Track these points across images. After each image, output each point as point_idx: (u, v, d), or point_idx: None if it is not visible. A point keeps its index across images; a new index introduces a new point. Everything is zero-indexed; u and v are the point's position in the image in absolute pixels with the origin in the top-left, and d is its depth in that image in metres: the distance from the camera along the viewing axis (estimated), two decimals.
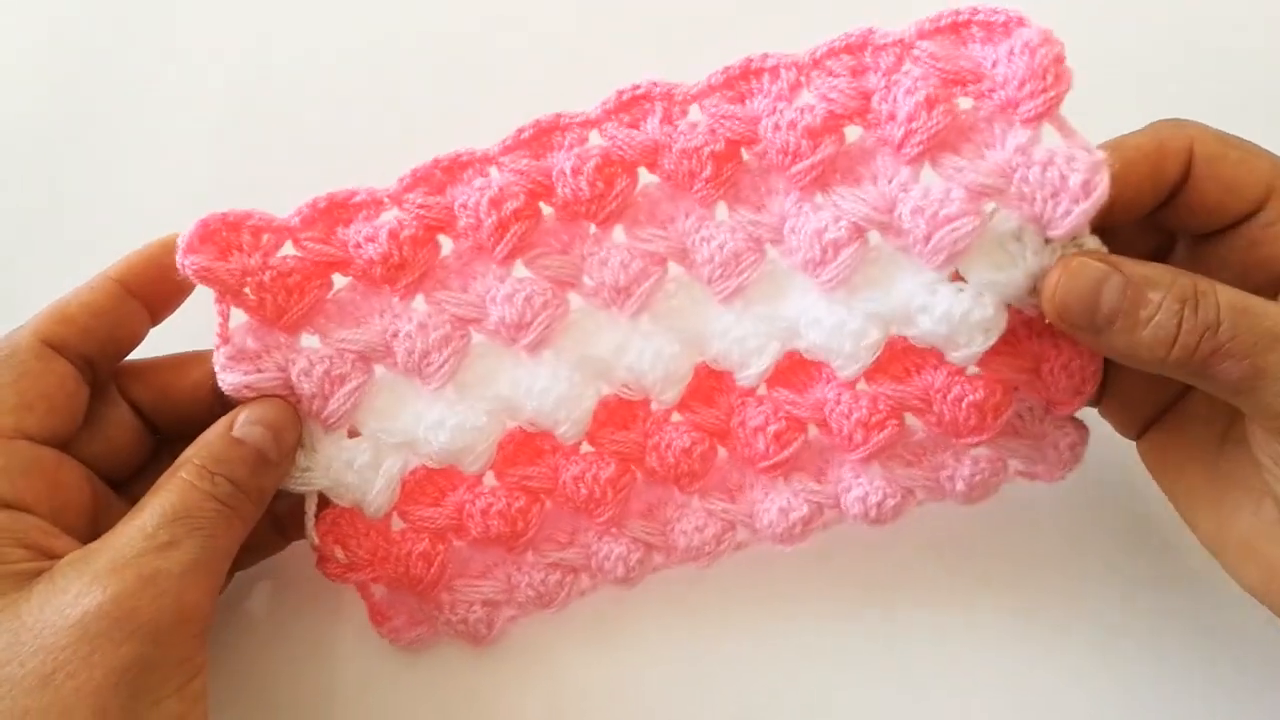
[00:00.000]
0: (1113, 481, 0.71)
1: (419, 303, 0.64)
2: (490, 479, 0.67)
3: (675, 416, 0.66)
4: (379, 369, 0.65)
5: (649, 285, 0.63)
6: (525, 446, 0.66)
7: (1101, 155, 0.55)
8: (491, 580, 0.68)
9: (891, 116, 0.58)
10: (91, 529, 0.60)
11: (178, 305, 0.65)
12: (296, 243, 0.62)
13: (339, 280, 0.64)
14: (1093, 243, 0.58)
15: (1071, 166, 0.56)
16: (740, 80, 0.61)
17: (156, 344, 0.65)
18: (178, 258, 0.60)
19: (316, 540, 0.65)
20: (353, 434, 0.65)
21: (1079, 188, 0.55)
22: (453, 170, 0.63)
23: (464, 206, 0.62)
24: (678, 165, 0.62)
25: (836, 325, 0.62)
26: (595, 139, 0.63)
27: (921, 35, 0.59)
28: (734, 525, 0.68)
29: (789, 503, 0.66)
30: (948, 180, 0.59)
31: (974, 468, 0.64)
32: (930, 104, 0.57)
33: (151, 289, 0.63)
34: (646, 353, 0.64)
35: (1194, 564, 0.67)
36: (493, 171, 0.63)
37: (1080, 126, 0.58)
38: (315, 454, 0.63)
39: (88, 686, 0.52)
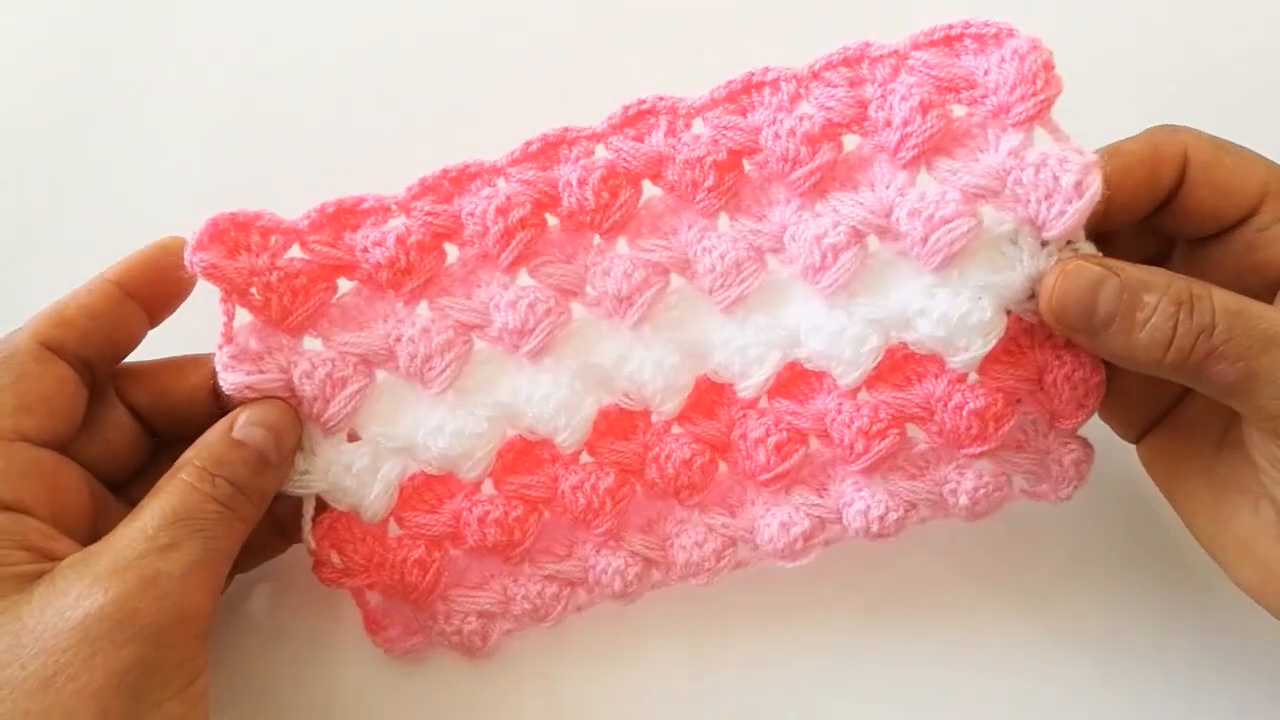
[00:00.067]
0: (1115, 494, 0.72)
1: (423, 309, 0.64)
2: (489, 487, 0.67)
3: (675, 428, 0.67)
4: (380, 373, 0.65)
5: (651, 295, 0.64)
6: (525, 455, 0.66)
7: (1094, 156, 0.58)
8: (487, 591, 0.68)
9: (888, 123, 0.60)
10: (91, 531, 0.60)
11: (176, 308, 0.65)
12: (304, 245, 0.63)
13: (344, 285, 0.64)
14: (1088, 247, 0.60)
15: (1064, 167, 0.58)
16: (742, 93, 0.63)
17: (154, 347, 0.65)
18: (186, 254, 0.60)
19: (313, 544, 0.65)
20: (352, 438, 0.65)
21: (1072, 188, 0.57)
22: (460, 180, 0.64)
23: (471, 214, 0.63)
24: (681, 175, 0.63)
25: (836, 332, 0.62)
26: (601, 152, 0.64)
27: (916, 47, 0.61)
28: (734, 541, 0.68)
29: (790, 517, 0.66)
30: (943, 183, 0.60)
31: (977, 482, 0.64)
32: (925, 109, 0.60)
33: (150, 291, 0.63)
34: (647, 363, 0.64)
35: (1198, 579, 0.69)
36: (500, 182, 0.64)
37: (1080, 127, 0.60)
38: (314, 457, 0.63)
39: (89, 689, 0.52)
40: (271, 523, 0.64)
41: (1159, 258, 0.65)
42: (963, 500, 0.65)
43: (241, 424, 0.60)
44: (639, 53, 0.84)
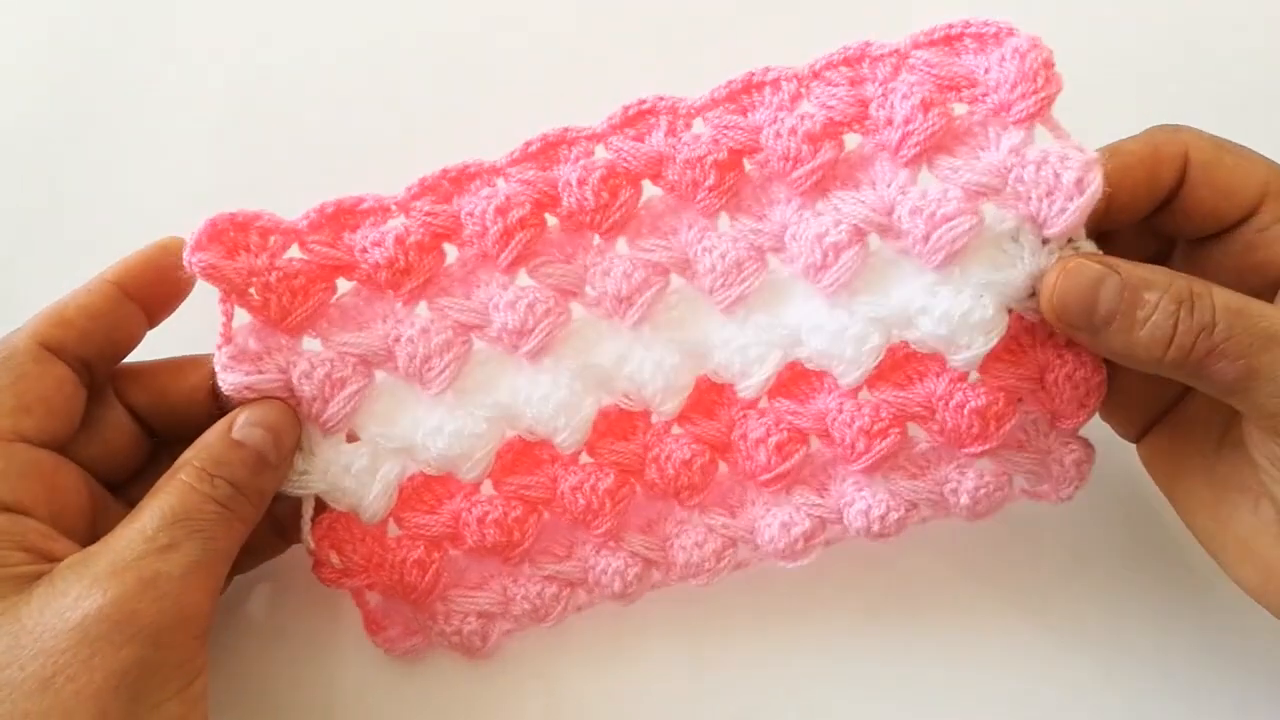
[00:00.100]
0: (1115, 494, 0.72)
1: (422, 309, 0.64)
2: (488, 488, 0.67)
3: (675, 429, 0.67)
4: (379, 374, 0.65)
5: (651, 295, 0.64)
6: (524, 456, 0.66)
7: (1094, 154, 0.59)
8: (487, 592, 0.68)
9: (889, 122, 0.61)
10: (90, 532, 0.60)
11: (175, 308, 0.65)
12: (303, 245, 0.63)
13: (343, 285, 0.64)
14: (1089, 246, 0.61)
15: (1065, 165, 0.58)
16: (743, 93, 0.63)
17: (153, 347, 0.65)
18: (185, 254, 0.60)
19: (312, 544, 0.65)
20: (351, 438, 0.65)
21: (1073, 185, 0.58)
22: (460, 181, 0.64)
23: (470, 215, 0.63)
24: (681, 175, 0.63)
25: (838, 330, 0.63)
26: (601, 152, 0.64)
27: (917, 46, 0.61)
28: (734, 541, 0.68)
29: (791, 517, 0.66)
30: (944, 181, 0.61)
31: (978, 481, 0.64)
32: (926, 107, 0.60)
33: (149, 292, 0.63)
34: (647, 363, 0.64)
35: (1199, 578, 0.69)
36: (499, 182, 0.64)
37: (1081, 127, 0.60)
38: (313, 457, 0.63)
39: (88, 690, 0.52)
40: (270, 523, 0.64)
41: (1160, 257, 0.65)
42: (964, 500, 0.65)
43: (240, 424, 0.60)
44: (639, 53, 0.84)
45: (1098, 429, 0.66)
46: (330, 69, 0.85)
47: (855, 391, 0.64)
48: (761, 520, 0.67)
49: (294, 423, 0.62)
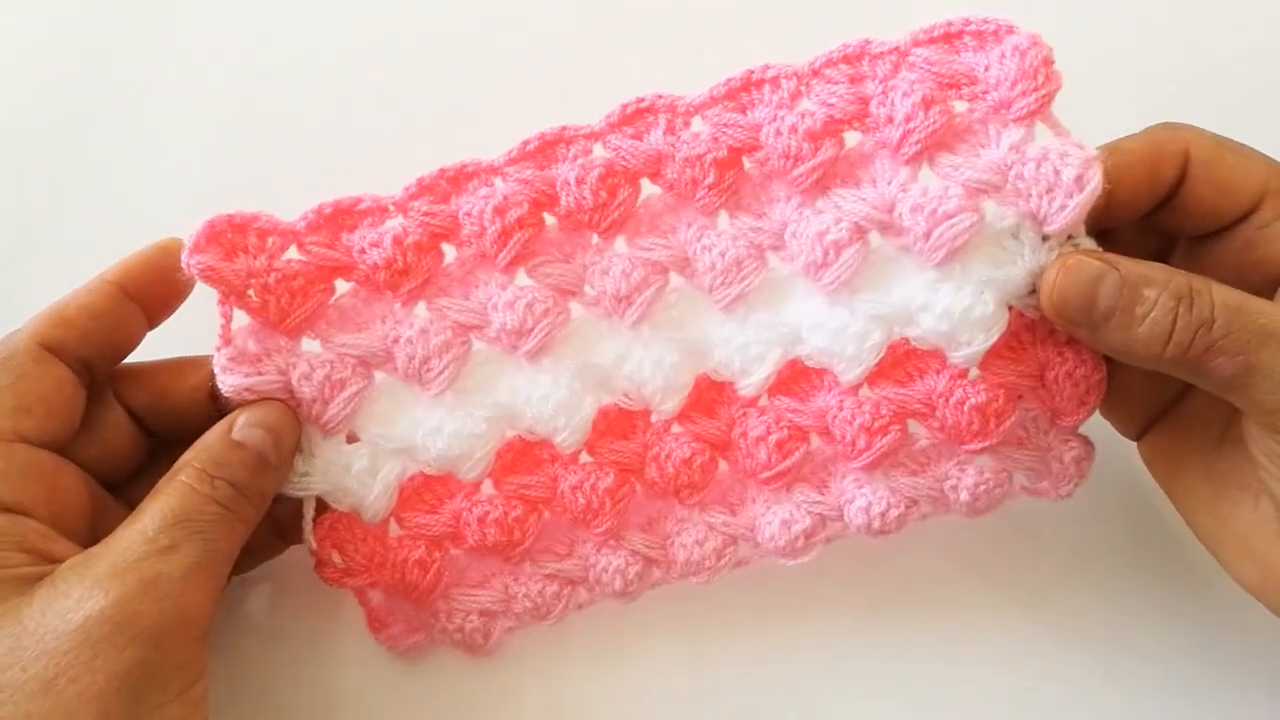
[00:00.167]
0: (1115, 491, 0.72)
1: (421, 309, 0.64)
2: (488, 487, 0.67)
3: (675, 428, 0.67)
4: (379, 375, 0.65)
5: (650, 294, 0.64)
6: (524, 455, 0.66)
7: (1094, 151, 0.59)
8: (488, 590, 0.68)
9: (889, 119, 0.61)
10: (90, 532, 0.60)
11: (175, 309, 0.65)
12: (301, 247, 0.62)
13: (341, 286, 0.64)
14: (1089, 243, 0.61)
15: (1065, 162, 0.58)
16: (742, 91, 0.63)
17: (152, 348, 0.65)
18: (183, 256, 0.60)
19: (314, 545, 0.65)
20: (351, 439, 0.65)
21: (1073, 182, 0.58)
22: (458, 180, 0.64)
23: (468, 214, 0.63)
24: (681, 173, 0.63)
25: (839, 328, 0.63)
26: (599, 151, 0.64)
27: (917, 44, 0.62)
28: (735, 539, 0.68)
29: (791, 515, 0.66)
30: (945, 179, 0.61)
31: (978, 478, 0.65)
32: (927, 104, 0.60)
33: (149, 292, 0.63)
34: (647, 362, 0.64)
35: (1199, 576, 0.69)
36: (497, 181, 0.64)
37: (1081, 127, 0.60)
38: (314, 458, 0.63)
39: (90, 691, 0.52)
40: (269, 524, 0.64)
41: (1160, 255, 0.65)
42: (964, 496, 0.65)
43: (240, 425, 0.60)
44: (639, 53, 0.84)
45: (1098, 427, 0.66)
46: (330, 69, 0.85)
47: (856, 389, 0.64)
48: (762, 518, 0.67)
49: (294, 424, 0.62)
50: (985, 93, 0.60)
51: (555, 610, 0.68)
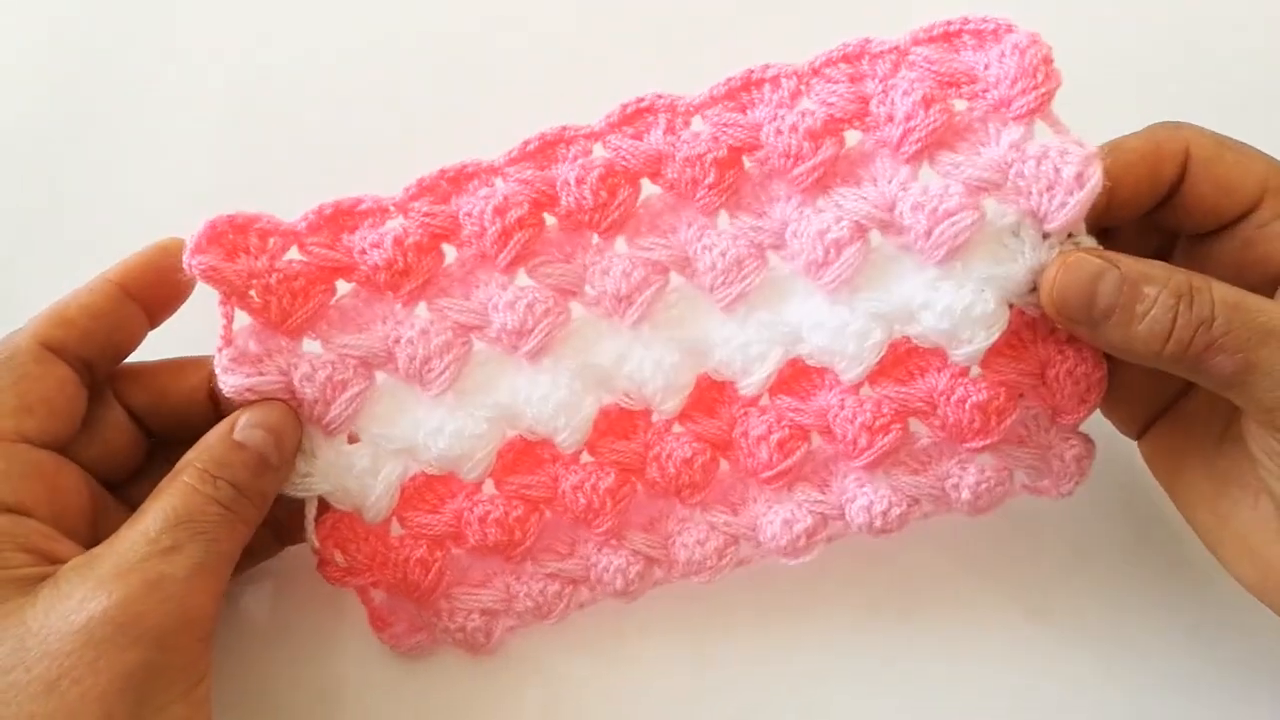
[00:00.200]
0: (1116, 490, 0.72)
1: (421, 310, 0.65)
2: (490, 487, 0.67)
3: (676, 427, 0.67)
4: (380, 375, 0.65)
5: (650, 294, 0.64)
6: (525, 455, 0.67)
7: (1094, 148, 0.59)
8: (490, 589, 0.68)
9: (890, 118, 0.61)
10: (91, 533, 0.60)
11: (176, 309, 0.65)
12: (302, 247, 0.62)
13: (342, 287, 0.64)
14: (1089, 241, 0.61)
15: (1065, 159, 0.58)
16: (742, 91, 0.63)
17: (152, 348, 0.66)
18: (185, 257, 0.60)
19: (317, 544, 0.65)
20: (352, 439, 0.65)
21: (1073, 179, 0.58)
22: (458, 180, 0.64)
23: (468, 215, 0.63)
24: (681, 173, 0.63)
25: (839, 327, 0.63)
26: (599, 151, 0.64)
27: (916, 43, 0.62)
28: (736, 539, 0.68)
29: (793, 514, 0.66)
30: (946, 177, 0.61)
31: (979, 476, 0.65)
32: (927, 103, 0.60)
33: (150, 292, 0.63)
34: (647, 362, 0.65)
35: (1199, 574, 0.69)
36: (498, 182, 0.64)
37: (1081, 127, 0.60)
38: (315, 459, 0.63)
39: (93, 692, 0.52)
40: (266, 524, 0.64)
41: (1161, 253, 0.65)
42: (965, 495, 0.65)
43: (242, 426, 0.60)
44: (639, 53, 0.84)
45: (1098, 425, 0.66)
46: (330, 69, 0.85)
47: (857, 388, 0.64)
48: (763, 517, 0.67)
49: (295, 424, 0.62)
50: (985, 91, 0.60)
51: (557, 609, 0.68)
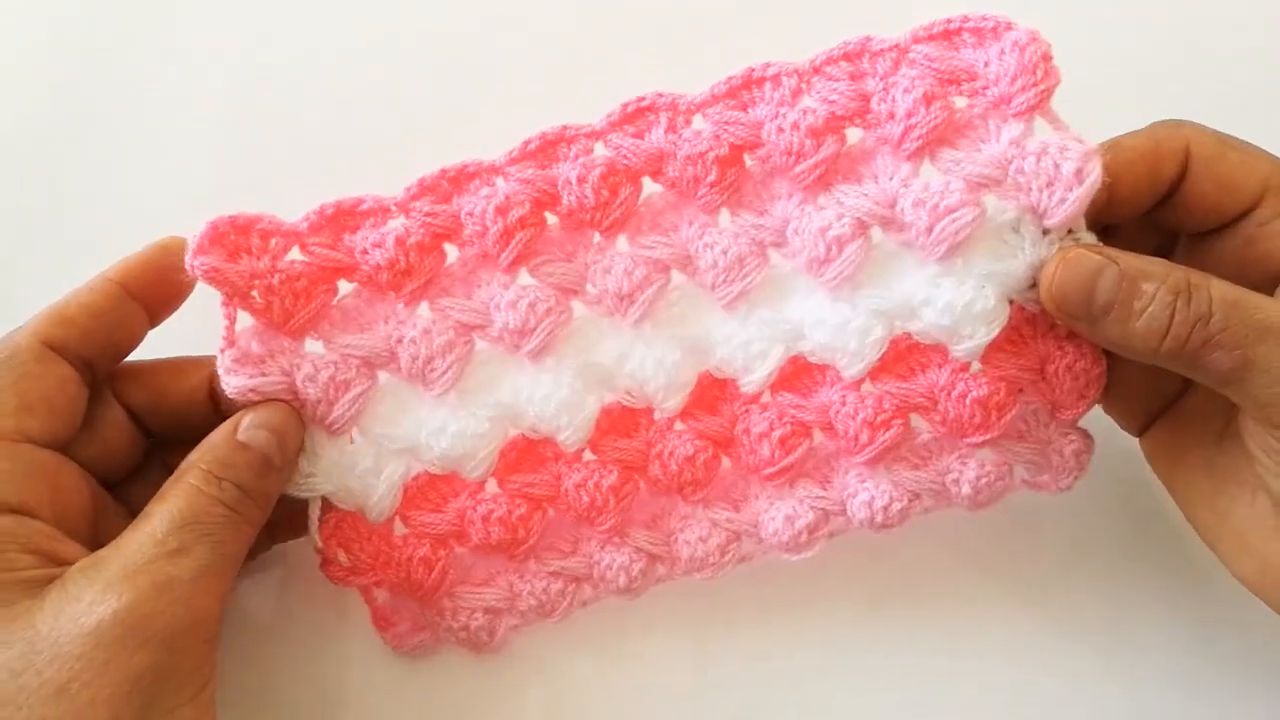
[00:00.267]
0: (1116, 485, 0.72)
1: (423, 310, 0.65)
2: (493, 486, 0.67)
3: (678, 425, 0.67)
4: (382, 375, 0.65)
5: (652, 292, 0.64)
6: (528, 454, 0.67)
7: (1093, 145, 0.59)
8: (493, 588, 0.68)
9: (891, 115, 0.62)
10: (91, 533, 0.60)
11: (176, 308, 0.65)
12: (304, 248, 0.63)
13: (344, 287, 0.64)
14: (1089, 237, 0.61)
15: (1064, 156, 0.59)
16: (743, 89, 0.63)
17: (151, 348, 0.66)
18: (187, 258, 0.60)
19: (320, 543, 0.65)
20: (355, 439, 0.65)
21: (1072, 175, 0.59)
22: (459, 180, 0.64)
23: (470, 214, 0.63)
24: (682, 171, 0.63)
25: (841, 323, 0.63)
26: (600, 150, 0.64)
27: (916, 41, 0.62)
28: (738, 536, 0.68)
29: (794, 510, 0.67)
30: (946, 174, 0.62)
31: (979, 471, 0.65)
32: (928, 100, 0.61)
33: (150, 291, 0.63)
34: (649, 360, 0.65)
35: (1198, 570, 0.69)
36: (499, 181, 0.64)
37: (1081, 126, 0.61)
38: (318, 459, 0.64)
39: (103, 695, 0.52)
40: None
41: (1162, 252, 0.65)
42: (965, 490, 0.65)
43: (245, 427, 0.60)
44: (639, 53, 0.84)
45: (1099, 421, 0.67)
46: (330, 69, 0.85)
47: (858, 384, 0.65)
48: (765, 514, 0.67)
49: (298, 425, 0.63)
50: (985, 88, 0.61)
51: (560, 607, 0.68)
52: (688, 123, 0.64)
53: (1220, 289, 0.57)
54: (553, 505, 0.67)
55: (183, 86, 0.85)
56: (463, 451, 0.65)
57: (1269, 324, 0.56)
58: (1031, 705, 0.69)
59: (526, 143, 0.64)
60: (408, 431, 0.65)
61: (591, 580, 0.69)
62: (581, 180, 0.63)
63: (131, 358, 0.65)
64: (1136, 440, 0.68)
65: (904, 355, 0.65)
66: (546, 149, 0.64)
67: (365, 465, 0.65)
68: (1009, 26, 0.60)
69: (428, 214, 0.63)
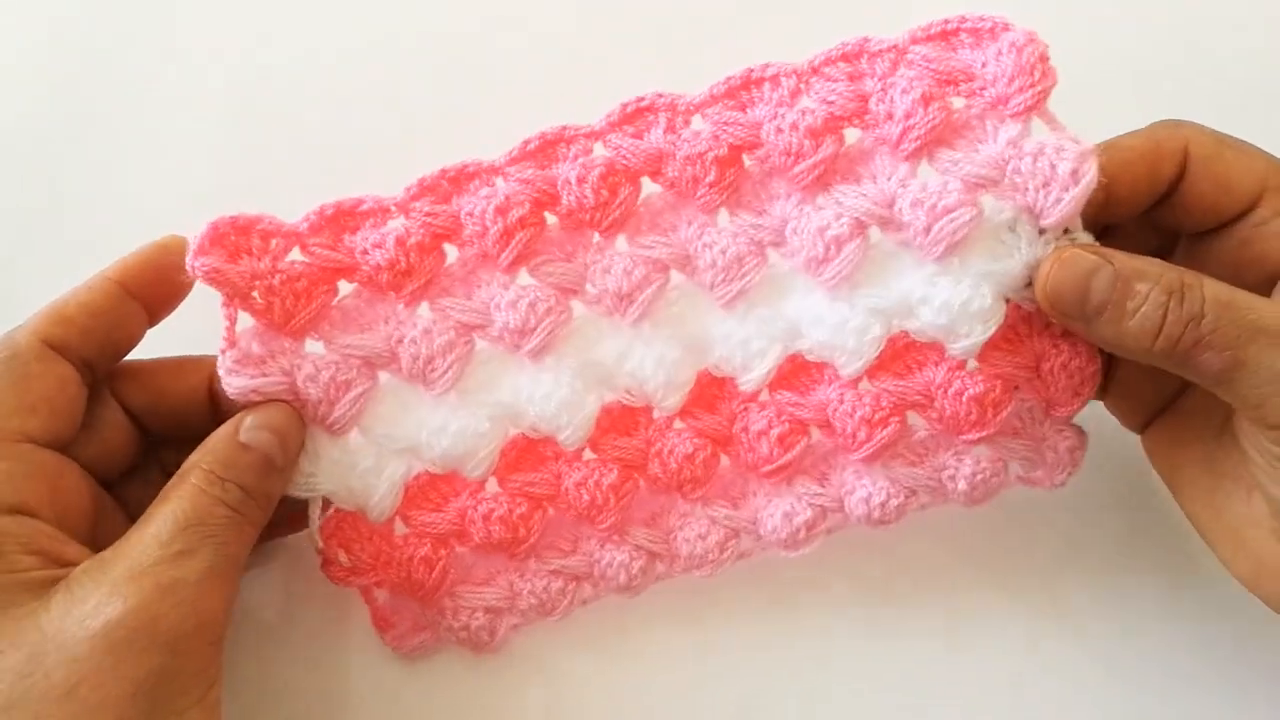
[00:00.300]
0: (1114, 482, 0.73)
1: (423, 310, 0.65)
2: (493, 485, 0.68)
3: (677, 424, 0.68)
4: (383, 375, 0.65)
5: (651, 292, 0.65)
6: (528, 453, 0.67)
7: (1090, 145, 0.60)
8: (494, 587, 0.69)
9: (889, 116, 0.62)
10: (91, 533, 0.61)
11: (175, 307, 0.65)
12: (304, 248, 0.63)
13: (343, 287, 0.65)
14: (1085, 237, 0.62)
15: (1060, 156, 0.60)
16: (742, 89, 0.64)
17: (148, 347, 0.66)
18: (188, 259, 0.60)
19: (321, 544, 0.65)
20: (355, 439, 0.66)
21: (1068, 176, 0.59)
22: (459, 180, 0.64)
23: (470, 215, 0.63)
24: (682, 171, 0.64)
25: (839, 322, 0.64)
26: (600, 150, 0.65)
27: (914, 41, 0.63)
28: (737, 532, 0.69)
29: (793, 507, 0.67)
30: (944, 174, 0.62)
31: (975, 467, 0.66)
32: (926, 101, 0.61)
33: (149, 290, 0.63)
34: (648, 359, 0.65)
35: (1197, 566, 0.69)
36: (498, 181, 0.64)
37: (1081, 126, 0.61)
38: (319, 459, 0.64)
39: (111, 698, 0.52)
40: None
41: (1162, 251, 0.66)
42: (961, 486, 0.66)
43: (247, 428, 0.61)
44: (639, 53, 0.84)
45: (1100, 418, 0.68)
46: (330, 69, 0.86)
47: (856, 382, 0.65)
48: (764, 511, 0.68)
49: (299, 425, 0.63)
50: (982, 89, 0.61)
51: (561, 606, 0.69)
52: (687, 123, 0.64)
53: (1213, 289, 0.57)
54: (553, 504, 0.67)
55: (183, 86, 0.86)
56: (464, 450, 0.65)
57: (1260, 325, 0.56)
58: (1031, 700, 0.69)
59: (526, 143, 0.64)
60: (408, 431, 0.65)
61: (592, 578, 0.69)
62: (581, 180, 0.63)
63: (128, 357, 0.65)
64: (1135, 440, 0.68)
65: (901, 353, 0.65)
66: (546, 149, 0.64)
67: (366, 465, 0.65)
68: (1006, 27, 0.61)
69: (428, 214, 0.63)
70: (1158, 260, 0.59)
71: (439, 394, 0.65)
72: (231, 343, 0.62)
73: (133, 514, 0.62)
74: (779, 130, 0.63)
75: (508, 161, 0.64)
